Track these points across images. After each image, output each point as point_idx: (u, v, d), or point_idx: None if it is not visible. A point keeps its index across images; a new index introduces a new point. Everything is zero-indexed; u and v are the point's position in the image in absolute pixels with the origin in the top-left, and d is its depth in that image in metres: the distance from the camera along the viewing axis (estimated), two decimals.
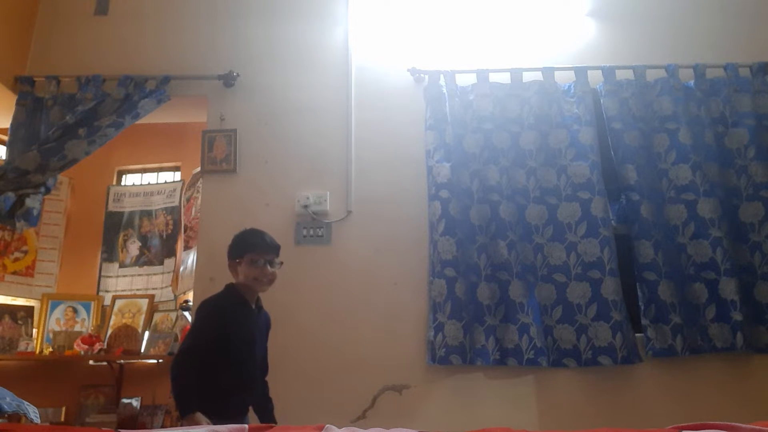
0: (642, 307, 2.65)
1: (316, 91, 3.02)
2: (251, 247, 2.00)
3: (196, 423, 1.69)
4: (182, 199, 3.82)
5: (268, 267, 2.00)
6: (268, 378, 2.14)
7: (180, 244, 3.75)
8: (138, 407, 3.31)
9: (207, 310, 1.95)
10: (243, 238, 2.04)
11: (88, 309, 3.61)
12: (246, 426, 1.43)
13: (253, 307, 2.05)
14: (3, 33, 3.00)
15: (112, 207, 3.94)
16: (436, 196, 2.75)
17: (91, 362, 3.51)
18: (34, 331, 3.49)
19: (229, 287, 2.03)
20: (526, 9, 3.12)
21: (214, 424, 1.64)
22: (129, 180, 4.16)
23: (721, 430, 1.22)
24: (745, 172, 2.78)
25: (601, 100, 2.90)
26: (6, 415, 2.12)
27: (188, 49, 3.12)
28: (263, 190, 2.89)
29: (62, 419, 3.32)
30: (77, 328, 3.51)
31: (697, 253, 2.68)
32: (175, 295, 3.63)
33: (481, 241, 2.72)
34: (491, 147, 2.83)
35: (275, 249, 2.05)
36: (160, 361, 3.43)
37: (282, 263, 2.08)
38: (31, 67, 3.11)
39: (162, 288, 3.71)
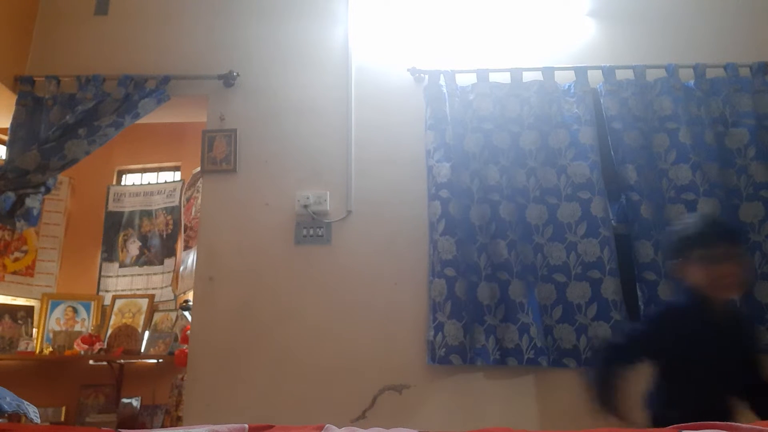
0: (642, 307, 2.65)
1: (316, 91, 3.02)
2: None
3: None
4: (182, 198, 3.83)
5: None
6: None
7: (180, 244, 3.76)
8: (138, 407, 3.31)
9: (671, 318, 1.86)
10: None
11: (88, 309, 3.62)
12: (246, 426, 1.44)
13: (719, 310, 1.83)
14: (3, 33, 3.00)
15: (112, 207, 3.94)
16: (436, 196, 2.75)
17: (91, 362, 3.52)
18: (34, 330, 3.49)
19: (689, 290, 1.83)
20: (526, 9, 3.11)
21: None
22: (129, 180, 4.16)
23: (721, 430, 1.22)
24: (745, 172, 2.77)
25: (601, 100, 2.90)
26: (6, 415, 2.12)
27: (188, 49, 3.11)
28: (263, 190, 2.88)
29: (62, 419, 3.32)
30: (77, 327, 3.52)
31: None
32: (175, 295, 3.64)
33: (481, 240, 2.72)
34: (491, 147, 2.83)
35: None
36: (160, 360, 3.44)
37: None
38: (31, 67, 3.10)
39: (162, 288, 3.72)
